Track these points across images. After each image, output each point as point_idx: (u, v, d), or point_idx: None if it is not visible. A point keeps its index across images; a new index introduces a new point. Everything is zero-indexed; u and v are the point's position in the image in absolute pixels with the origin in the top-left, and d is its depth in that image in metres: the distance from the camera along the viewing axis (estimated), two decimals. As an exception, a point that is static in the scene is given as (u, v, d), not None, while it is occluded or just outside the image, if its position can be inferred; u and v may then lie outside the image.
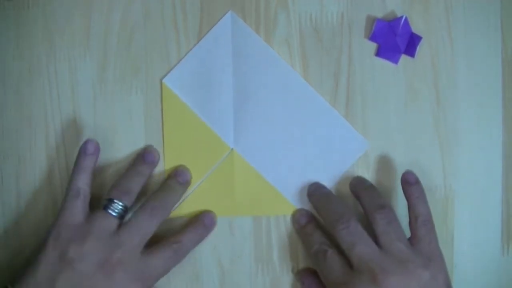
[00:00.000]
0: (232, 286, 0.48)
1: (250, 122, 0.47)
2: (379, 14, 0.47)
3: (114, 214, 0.43)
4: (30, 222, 0.48)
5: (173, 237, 0.45)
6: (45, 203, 0.48)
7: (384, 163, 0.48)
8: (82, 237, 0.42)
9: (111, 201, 0.44)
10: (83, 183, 0.44)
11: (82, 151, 0.45)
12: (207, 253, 0.48)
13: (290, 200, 0.48)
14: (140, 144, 0.48)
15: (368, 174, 0.48)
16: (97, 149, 0.45)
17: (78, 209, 0.43)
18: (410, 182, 0.45)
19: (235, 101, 0.47)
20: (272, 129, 0.48)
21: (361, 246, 0.42)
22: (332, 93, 0.48)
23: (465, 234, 0.48)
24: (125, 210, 0.44)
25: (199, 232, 0.46)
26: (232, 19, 0.47)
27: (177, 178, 0.47)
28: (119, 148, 0.48)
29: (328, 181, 0.48)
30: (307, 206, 0.48)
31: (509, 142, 0.48)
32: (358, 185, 0.46)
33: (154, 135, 0.48)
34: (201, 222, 0.47)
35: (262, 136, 0.48)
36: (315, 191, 0.47)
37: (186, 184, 0.47)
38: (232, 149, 0.48)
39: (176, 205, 0.47)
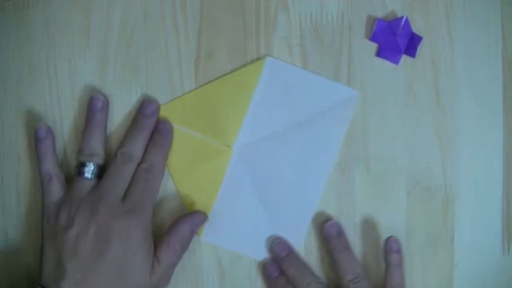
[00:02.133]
0: (232, 287, 0.48)
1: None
2: (379, 14, 0.47)
3: (89, 176, 0.45)
4: (30, 222, 0.48)
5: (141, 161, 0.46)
6: (45, 203, 0.48)
7: (384, 163, 0.48)
8: (67, 206, 0.44)
9: (83, 165, 0.45)
10: (48, 166, 0.45)
11: (35, 138, 0.46)
12: (207, 253, 0.48)
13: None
14: (140, 144, 0.48)
15: (367, 174, 0.48)
16: (49, 132, 0.46)
17: (54, 188, 0.45)
18: (392, 250, 0.46)
19: None
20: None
21: None
22: (332, 93, 0.48)
23: (465, 234, 0.48)
24: (100, 168, 0.45)
25: (159, 143, 0.46)
26: None
27: (143, 111, 0.47)
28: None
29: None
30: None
31: (509, 142, 0.48)
32: (335, 247, 0.46)
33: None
34: (157, 132, 0.46)
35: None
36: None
37: (153, 114, 0.47)
38: (231, 148, 0.48)
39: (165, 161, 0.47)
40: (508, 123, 0.48)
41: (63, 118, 0.48)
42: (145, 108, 0.46)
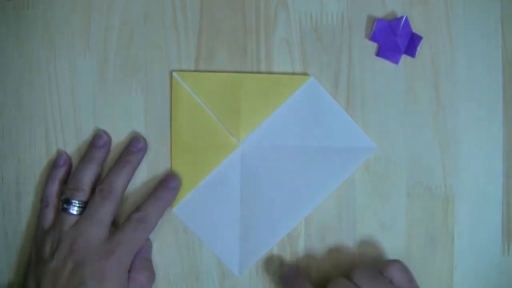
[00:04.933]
0: (232, 286, 0.48)
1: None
2: (379, 14, 0.47)
3: (74, 213, 0.44)
4: (30, 222, 0.48)
5: (136, 208, 0.45)
6: (45, 203, 0.48)
7: (384, 163, 0.48)
8: (50, 238, 0.44)
9: (67, 201, 0.45)
10: (50, 192, 0.46)
11: (53, 163, 0.47)
12: (207, 253, 0.48)
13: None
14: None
15: (367, 174, 0.48)
16: (67, 162, 0.47)
17: (47, 216, 0.46)
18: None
19: None
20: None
21: None
22: (332, 93, 0.48)
23: (465, 234, 0.48)
24: (84, 204, 0.45)
25: (162, 196, 0.46)
26: None
27: (129, 147, 0.47)
28: (119, 148, 0.48)
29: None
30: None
31: (509, 142, 0.48)
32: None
33: (154, 135, 0.48)
34: (163, 185, 0.46)
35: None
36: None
37: (140, 152, 0.47)
38: (239, 144, 0.47)
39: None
40: (508, 123, 0.48)
41: (63, 118, 0.48)
42: (131, 145, 0.47)
